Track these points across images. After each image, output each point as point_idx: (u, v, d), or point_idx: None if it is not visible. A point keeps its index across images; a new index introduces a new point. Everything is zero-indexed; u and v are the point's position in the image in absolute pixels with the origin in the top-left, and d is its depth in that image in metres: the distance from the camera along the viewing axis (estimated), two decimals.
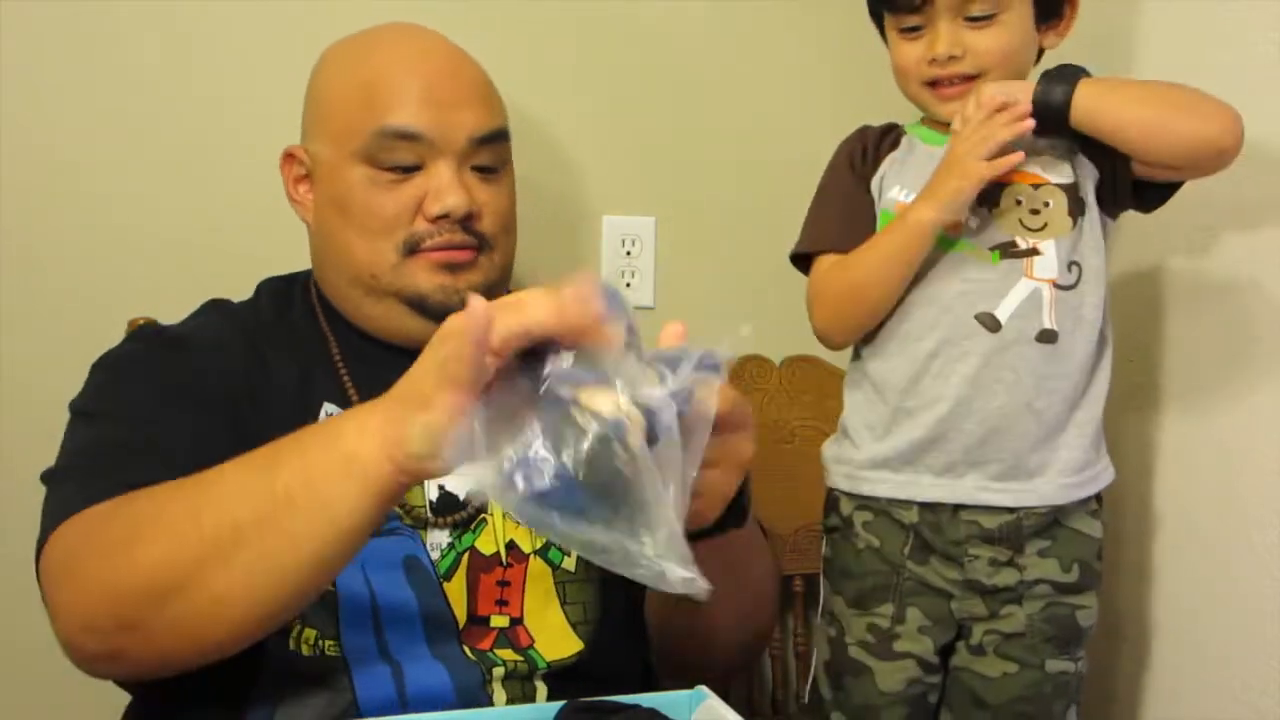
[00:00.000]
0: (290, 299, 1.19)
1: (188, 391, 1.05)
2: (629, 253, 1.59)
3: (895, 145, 1.16)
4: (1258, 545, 1.16)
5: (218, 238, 1.44)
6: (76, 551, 0.92)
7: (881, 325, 1.13)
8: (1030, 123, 1.04)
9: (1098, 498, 1.14)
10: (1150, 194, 1.12)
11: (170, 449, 0.98)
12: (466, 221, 1.10)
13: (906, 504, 1.12)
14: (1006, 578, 1.10)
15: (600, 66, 1.56)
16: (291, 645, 1.01)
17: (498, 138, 1.14)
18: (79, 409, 1.05)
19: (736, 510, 0.90)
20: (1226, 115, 1.04)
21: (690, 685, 0.86)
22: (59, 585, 0.93)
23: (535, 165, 1.50)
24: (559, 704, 0.83)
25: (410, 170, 1.10)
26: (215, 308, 1.18)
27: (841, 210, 1.15)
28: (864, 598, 1.13)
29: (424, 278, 1.10)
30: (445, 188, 1.09)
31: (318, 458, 0.83)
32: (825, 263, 1.15)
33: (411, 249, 1.10)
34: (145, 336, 1.14)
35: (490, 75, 1.18)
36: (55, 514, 0.95)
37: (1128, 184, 1.10)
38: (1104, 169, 1.11)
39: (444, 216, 1.09)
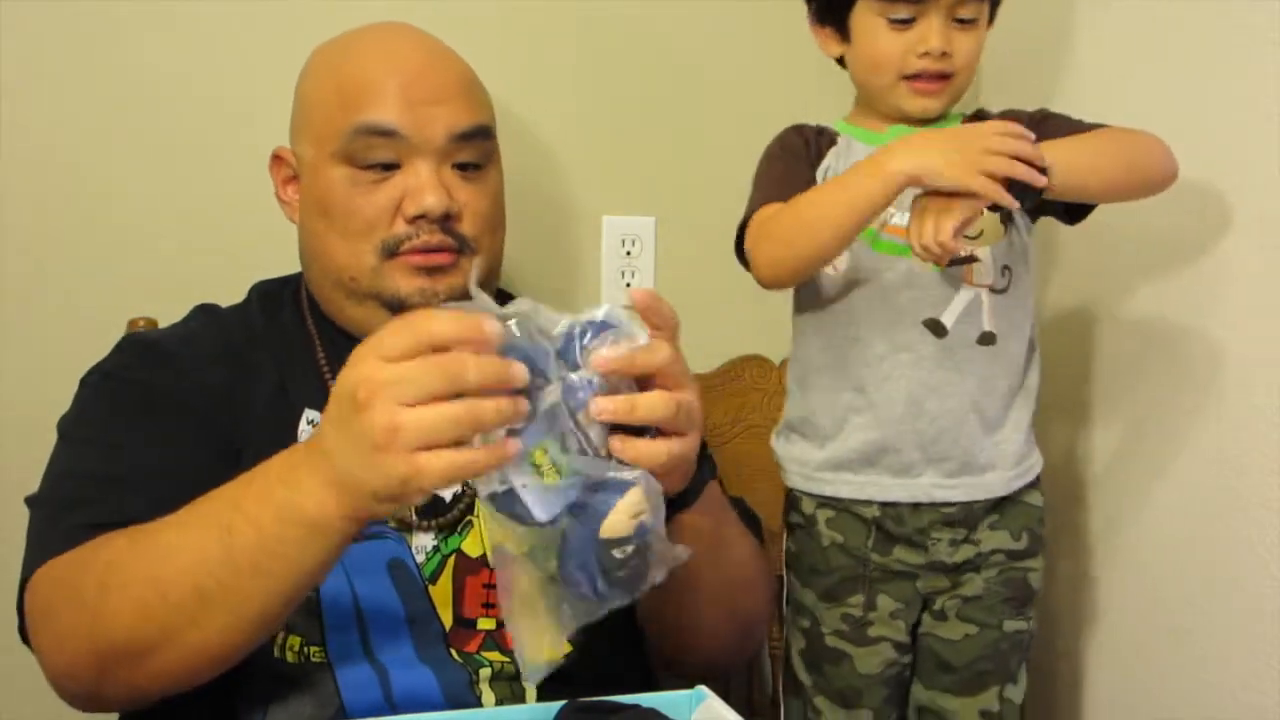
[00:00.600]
0: (281, 301, 1.19)
1: (166, 406, 1.06)
2: (629, 253, 1.59)
3: (833, 142, 1.18)
4: (1257, 545, 1.16)
5: (218, 238, 1.44)
6: (52, 603, 0.94)
7: (831, 327, 1.15)
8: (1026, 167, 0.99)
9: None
10: (1076, 211, 1.14)
11: (144, 477, 0.99)
12: (446, 222, 1.09)
13: (867, 502, 1.15)
14: (965, 553, 1.15)
15: (600, 66, 1.56)
16: (276, 653, 1.01)
17: (478, 134, 1.13)
18: (63, 431, 1.07)
19: (700, 471, 0.93)
20: (1166, 152, 1.08)
21: (690, 685, 0.86)
22: (39, 632, 0.96)
23: (535, 165, 1.50)
24: (558, 704, 0.83)
25: (389, 169, 1.09)
26: (203, 313, 1.18)
27: (786, 176, 1.15)
28: (834, 591, 1.16)
29: (403, 281, 1.09)
30: (423, 187, 1.08)
31: (276, 529, 0.85)
32: (769, 210, 1.12)
33: (391, 251, 1.09)
34: (130, 348, 1.14)
35: (490, 75, 1.18)
36: (33, 555, 0.98)
37: (1058, 203, 1.12)
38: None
39: (422, 217, 1.08)
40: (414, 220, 1.08)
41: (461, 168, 1.12)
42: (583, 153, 1.56)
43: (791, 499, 1.21)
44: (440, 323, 0.76)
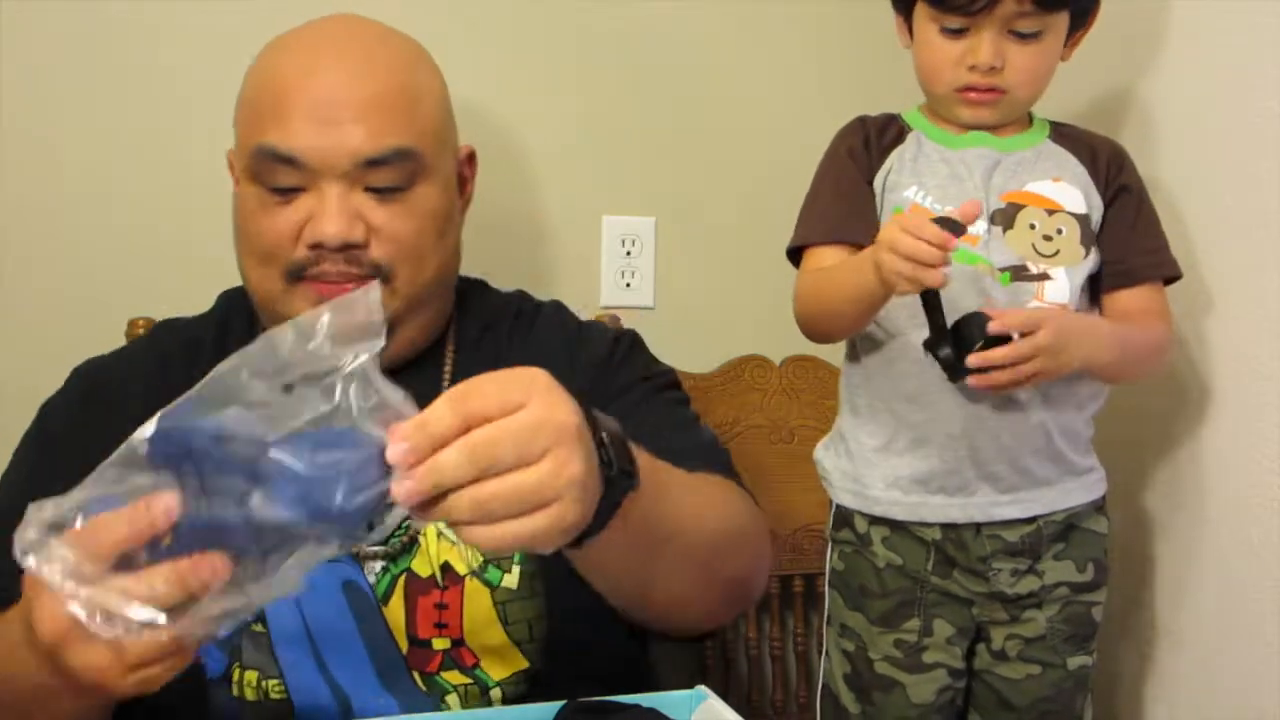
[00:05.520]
0: (239, 308, 1.14)
1: (83, 454, 0.93)
2: (629, 253, 1.59)
3: (899, 139, 1.13)
4: (1258, 544, 1.16)
5: (218, 237, 1.43)
6: None
7: (890, 337, 1.10)
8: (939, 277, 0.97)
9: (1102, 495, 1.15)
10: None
11: None
12: (352, 250, 1.01)
13: (927, 523, 1.10)
14: (1028, 584, 1.10)
15: (600, 66, 1.56)
16: (235, 692, 0.97)
17: (395, 158, 1.02)
18: (10, 461, 1.05)
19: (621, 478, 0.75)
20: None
21: (691, 678, 0.85)
22: None
23: (536, 165, 1.50)
24: (559, 704, 0.83)
25: (296, 191, 1.02)
26: (153, 338, 1.14)
27: (838, 203, 1.12)
28: (889, 615, 1.11)
29: (305, 309, 0.91)
30: (324, 214, 1.00)
31: (39, 680, 0.75)
32: (813, 259, 1.11)
33: (295, 276, 1.02)
34: (72, 386, 1.11)
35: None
36: None
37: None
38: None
39: (321, 245, 1.01)
40: (315, 247, 1.01)
41: (377, 190, 1.02)
42: (583, 153, 1.56)
43: (841, 515, 1.15)
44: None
